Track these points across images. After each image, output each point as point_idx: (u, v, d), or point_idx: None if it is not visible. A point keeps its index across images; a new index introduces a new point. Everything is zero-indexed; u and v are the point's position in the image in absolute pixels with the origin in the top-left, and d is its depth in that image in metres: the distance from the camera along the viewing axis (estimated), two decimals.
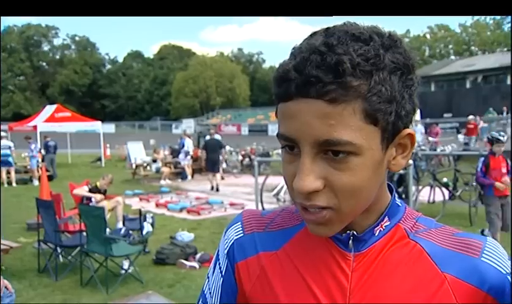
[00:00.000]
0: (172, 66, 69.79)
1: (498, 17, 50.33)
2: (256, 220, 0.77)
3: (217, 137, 13.71)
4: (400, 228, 0.67)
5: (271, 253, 0.73)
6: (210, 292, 0.77)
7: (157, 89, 69.32)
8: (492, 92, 30.22)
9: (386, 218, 0.67)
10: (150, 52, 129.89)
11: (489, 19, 50.55)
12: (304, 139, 0.58)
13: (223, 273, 0.76)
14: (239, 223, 0.77)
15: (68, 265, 5.48)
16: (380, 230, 0.67)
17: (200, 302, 0.79)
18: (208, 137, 13.18)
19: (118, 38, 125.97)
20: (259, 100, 64.46)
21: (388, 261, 0.65)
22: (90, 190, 6.99)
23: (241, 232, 0.76)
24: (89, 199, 6.85)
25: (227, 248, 0.76)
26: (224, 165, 15.10)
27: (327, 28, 0.60)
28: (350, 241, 0.66)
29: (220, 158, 12.69)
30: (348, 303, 0.65)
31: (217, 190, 11.80)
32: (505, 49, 34.18)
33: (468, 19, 52.64)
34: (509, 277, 0.63)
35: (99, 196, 6.91)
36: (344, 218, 0.62)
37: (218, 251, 0.79)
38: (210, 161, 11.90)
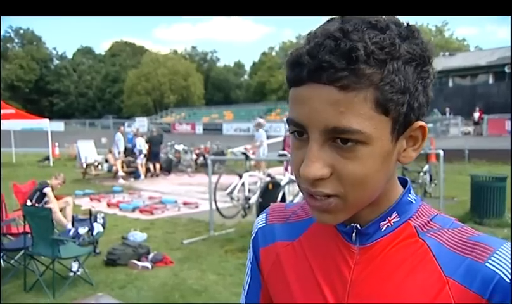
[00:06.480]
0: (124, 63, 68.13)
1: (439, 24, 53.31)
2: (279, 212, 0.81)
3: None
4: (409, 225, 0.65)
5: (288, 243, 0.76)
6: (246, 273, 0.85)
7: (109, 87, 67.44)
8: (436, 93, 31.65)
9: (395, 214, 0.65)
10: (101, 48, 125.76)
11: (431, 25, 53.17)
12: (313, 125, 0.57)
13: (251, 259, 0.82)
14: (265, 214, 0.82)
15: (10, 270, 5.20)
16: (388, 225, 0.65)
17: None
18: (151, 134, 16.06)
19: (66, 32, 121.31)
20: (214, 99, 64.26)
21: (391, 258, 0.64)
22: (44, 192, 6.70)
23: (264, 222, 0.81)
24: (38, 201, 6.58)
25: (253, 236, 0.82)
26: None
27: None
28: (354, 234, 0.66)
29: (161, 150, 15.70)
30: (347, 294, 0.65)
31: (157, 176, 14.62)
32: (447, 54, 35.98)
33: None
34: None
35: (55, 202, 6.69)
36: (350, 207, 0.60)
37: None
38: (152, 152, 14.69)
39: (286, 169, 10.00)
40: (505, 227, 6.77)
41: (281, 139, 13.50)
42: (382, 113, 0.56)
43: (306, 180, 0.59)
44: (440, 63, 35.29)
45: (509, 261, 0.57)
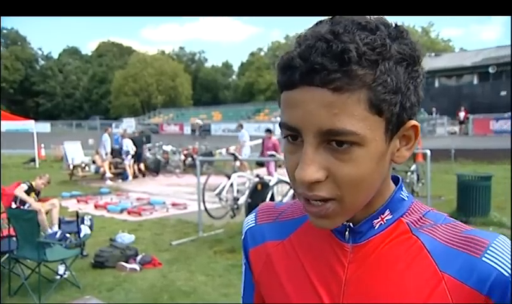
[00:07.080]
0: (111, 63, 67.60)
1: (425, 25, 54.06)
2: (268, 212, 0.80)
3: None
4: (402, 222, 0.65)
5: (278, 242, 0.75)
6: (242, 274, 0.84)
7: (96, 87, 66.85)
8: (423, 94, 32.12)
9: (388, 211, 0.65)
10: (88, 48, 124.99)
11: (418, 27, 53.76)
12: (307, 128, 0.56)
13: (244, 259, 0.82)
14: (254, 214, 0.82)
15: None
16: (381, 223, 0.65)
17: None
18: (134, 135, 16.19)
19: (52, 32, 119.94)
20: (202, 99, 64.10)
21: (385, 255, 0.64)
22: (27, 191, 6.71)
23: (254, 222, 0.80)
24: (23, 203, 6.51)
25: (243, 236, 0.81)
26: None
27: (333, 17, 0.59)
28: (346, 232, 0.66)
29: (145, 150, 15.88)
30: (342, 293, 0.65)
31: (144, 176, 14.64)
32: (433, 54, 36.43)
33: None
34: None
35: (33, 201, 6.63)
36: (347, 210, 0.60)
37: None
38: (136, 153, 14.59)
39: (275, 169, 10.00)
40: (491, 226, 6.86)
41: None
42: (376, 113, 0.56)
43: (302, 184, 0.58)
44: (426, 63, 35.67)
45: (505, 254, 0.58)
